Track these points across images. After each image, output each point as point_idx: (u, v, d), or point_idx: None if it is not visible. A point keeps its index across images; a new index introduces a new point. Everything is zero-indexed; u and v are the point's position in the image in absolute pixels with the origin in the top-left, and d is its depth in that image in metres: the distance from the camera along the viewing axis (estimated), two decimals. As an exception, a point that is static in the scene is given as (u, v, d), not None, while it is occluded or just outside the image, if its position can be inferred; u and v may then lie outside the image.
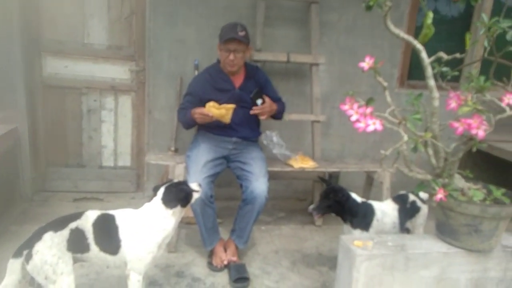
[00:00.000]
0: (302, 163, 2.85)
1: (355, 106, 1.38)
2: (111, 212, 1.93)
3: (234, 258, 2.50)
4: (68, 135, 3.34)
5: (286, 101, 3.41)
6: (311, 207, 2.31)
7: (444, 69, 1.58)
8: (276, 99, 2.76)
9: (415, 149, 1.39)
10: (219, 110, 2.43)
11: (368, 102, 1.37)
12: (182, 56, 3.21)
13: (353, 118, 1.38)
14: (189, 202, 2.00)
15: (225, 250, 2.55)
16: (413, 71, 3.61)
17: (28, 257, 1.67)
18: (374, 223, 2.22)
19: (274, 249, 2.82)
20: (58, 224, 1.77)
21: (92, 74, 3.23)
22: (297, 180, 3.41)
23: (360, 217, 2.22)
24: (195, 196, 2.02)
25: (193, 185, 2.04)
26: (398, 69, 3.58)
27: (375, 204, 2.30)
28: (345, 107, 1.39)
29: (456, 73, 1.60)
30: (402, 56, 3.56)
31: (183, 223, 2.98)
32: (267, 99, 2.57)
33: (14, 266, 1.68)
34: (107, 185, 3.45)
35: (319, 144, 3.21)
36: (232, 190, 3.22)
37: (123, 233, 1.86)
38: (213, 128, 2.59)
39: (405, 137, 1.38)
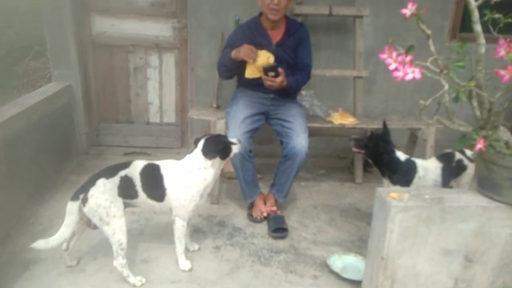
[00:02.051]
0: (342, 119, 2.82)
1: (394, 54, 1.34)
2: (156, 162, 2.05)
3: (274, 208, 2.58)
4: (117, 92, 3.51)
5: (328, 57, 3.36)
6: (353, 136, 2.37)
7: (496, 15, 1.47)
8: (304, 64, 2.66)
9: (456, 99, 1.34)
10: (268, 58, 2.42)
11: (408, 50, 1.32)
12: (223, 12, 3.20)
13: (392, 66, 1.34)
14: (228, 155, 2.07)
15: (265, 203, 2.64)
16: (466, 23, 3.37)
17: (84, 200, 1.84)
18: (416, 180, 2.19)
19: (312, 204, 2.88)
20: (109, 172, 1.92)
21: (137, 32, 3.32)
22: (337, 137, 3.39)
23: (401, 173, 2.21)
24: (234, 149, 2.09)
25: (232, 139, 2.11)
26: (450, 21, 3.35)
27: (418, 162, 2.27)
28: (384, 55, 1.36)
29: (510, 19, 1.49)
30: (455, 7, 3.33)
31: (225, 178, 3.10)
32: (280, 77, 2.43)
33: (72, 208, 1.86)
34: (154, 140, 3.63)
35: (360, 101, 3.14)
36: (272, 147, 3.28)
37: (167, 182, 1.99)
38: (251, 84, 2.61)
39: (446, 86, 1.33)
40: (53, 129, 2.98)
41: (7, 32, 6.04)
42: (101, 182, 1.86)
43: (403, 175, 2.21)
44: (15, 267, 2.03)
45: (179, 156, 3.55)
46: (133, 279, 1.94)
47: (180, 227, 2.04)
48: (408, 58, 1.33)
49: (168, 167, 2.03)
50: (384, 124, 2.39)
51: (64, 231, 1.84)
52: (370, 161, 2.37)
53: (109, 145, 3.60)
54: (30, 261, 2.08)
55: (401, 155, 2.27)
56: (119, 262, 1.89)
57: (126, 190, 1.93)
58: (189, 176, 1.99)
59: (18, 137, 2.44)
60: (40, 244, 1.80)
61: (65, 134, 3.22)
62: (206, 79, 3.36)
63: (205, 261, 2.17)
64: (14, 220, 2.39)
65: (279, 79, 2.42)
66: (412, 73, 1.31)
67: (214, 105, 3.28)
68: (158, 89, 3.53)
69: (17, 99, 2.82)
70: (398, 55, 1.35)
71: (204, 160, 1.99)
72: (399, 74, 1.33)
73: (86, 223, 1.95)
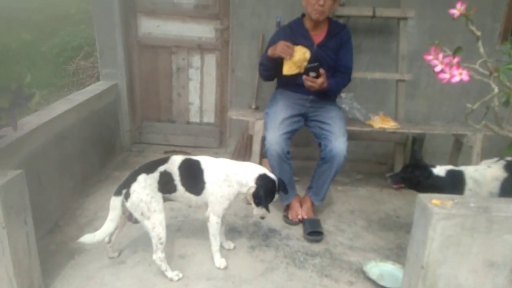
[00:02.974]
0: (382, 123, 2.76)
1: (441, 56, 1.30)
2: (194, 157, 2.12)
3: (310, 213, 2.57)
4: (160, 92, 3.62)
5: (370, 60, 3.30)
6: (388, 174, 2.31)
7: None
8: (345, 67, 2.64)
9: (507, 103, 1.28)
10: (304, 54, 2.42)
11: (456, 51, 1.28)
12: (264, 13, 3.23)
13: (437, 68, 1.30)
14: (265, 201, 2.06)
15: (301, 206, 2.63)
16: (519, 26, 3.21)
17: (127, 196, 1.91)
18: (466, 193, 2.06)
19: (349, 208, 2.83)
20: (149, 168, 1.99)
21: (181, 33, 3.41)
22: (377, 142, 3.32)
23: (447, 190, 1.98)
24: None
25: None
26: (501, 24, 3.20)
27: (467, 171, 2.09)
28: (429, 57, 1.32)
29: None
30: (506, 9, 3.16)
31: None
32: (321, 78, 2.41)
33: (115, 203, 1.94)
34: (193, 140, 3.71)
35: (402, 105, 3.06)
36: (310, 150, 3.25)
37: (208, 177, 2.04)
38: (291, 85, 2.61)
39: (496, 89, 1.28)
40: (100, 126, 3.12)
41: (59, 34, 6.38)
42: (142, 177, 1.93)
43: (449, 190, 1.96)
44: (62, 255, 2.14)
45: (216, 155, 3.59)
46: (170, 273, 1.99)
47: (214, 224, 2.08)
48: (456, 60, 1.29)
49: (209, 163, 2.09)
50: (415, 150, 2.40)
51: (109, 226, 1.92)
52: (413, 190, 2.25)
53: (150, 143, 3.72)
54: (75, 250, 2.19)
55: (440, 170, 2.09)
56: (158, 256, 1.95)
57: (166, 185, 1.99)
58: (235, 177, 2.04)
59: (68, 132, 2.57)
60: (87, 238, 1.89)
61: (110, 131, 3.37)
62: (246, 80, 3.39)
63: (240, 260, 2.19)
64: (62, 211, 2.52)
65: (320, 80, 2.41)
66: (460, 75, 1.27)
67: (253, 106, 3.31)
68: (199, 90, 3.60)
69: (67, 96, 2.97)
70: (444, 56, 1.30)
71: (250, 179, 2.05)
72: (445, 76, 1.29)
73: (128, 217, 2.03)
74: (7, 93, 1.69)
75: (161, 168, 1.99)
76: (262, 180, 2.02)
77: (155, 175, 1.97)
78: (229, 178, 2.04)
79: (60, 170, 2.49)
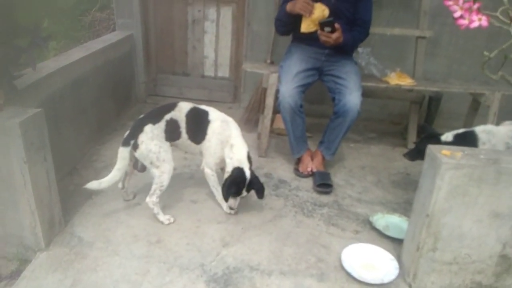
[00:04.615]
0: (399, 80, 2.72)
1: (461, 1, 1.26)
2: (203, 107, 2.13)
3: (321, 167, 2.60)
4: (175, 44, 3.60)
5: (390, 15, 3.20)
6: (404, 153, 2.47)
7: None
8: (363, 20, 2.56)
9: (526, 52, 1.25)
10: (323, 11, 2.37)
11: (477, -4, 1.24)
12: (283, -36, 3.12)
13: (457, 14, 1.27)
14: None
15: (312, 160, 2.66)
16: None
17: (135, 146, 1.95)
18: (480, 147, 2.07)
19: (360, 165, 2.86)
20: (155, 116, 2.00)
21: (197, -17, 3.35)
22: (392, 101, 3.28)
23: None
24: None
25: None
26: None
27: (478, 128, 2.12)
28: (449, 2, 1.28)
29: None
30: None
31: (274, 134, 3.15)
32: (336, 33, 2.36)
33: (123, 153, 1.97)
34: (207, 93, 3.73)
35: (421, 63, 2.99)
36: (323, 108, 3.25)
37: (210, 129, 2.07)
38: (306, 39, 2.57)
39: (516, 36, 1.25)
40: (115, 76, 3.15)
41: (76, -15, 6.29)
42: (148, 128, 1.94)
43: None
44: (80, 196, 2.24)
45: (230, 110, 3.65)
46: (162, 217, 2.06)
47: (210, 176, 2.15)
48: (476, 5, 1.25)
49: (216, 117, 2.12)
50: (424, 126, 2.54)
51: (115, 175, 1.97)
52: None
53: (165, 95, 3.75)
54: (93, 191, 2.26)
55: (448, 136, 2.17)
56: (152, 199, 2.01)
57: (172, 133, 2.02)
58: (228, 149, 2.08)
59: (84, 79, 2.61)
60: (93, 184, 1.95)
61: (125, 82, 3.40)
62: (262, 34, 3.34)
63: (250, 207, 2.26)
64: (79, 156, 2.61)
65: (335, 35, 2.37)
66: (479, 21, 1.23)
67: (268, 61, 3.28)
68: (214, 43, 3.57)
69: (84, 44, 2.99)
70: (465, 1, 1.27)
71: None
72: (464, 22, 1.26)
73: (133, 166, 2.09)
74: (26, 33, 1.71)
75: (167, 117, 2.00)
76: (236, 172, 2.02)
77: (161, 125, 1.98)
78: (224, 145, 2.08)
79: (77, 116, 2.56)
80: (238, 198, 2.10)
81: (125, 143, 1.96)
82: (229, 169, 2.04)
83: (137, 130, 1.96)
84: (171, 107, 2.06)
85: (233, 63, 3.62)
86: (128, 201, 2.23)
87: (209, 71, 3.69)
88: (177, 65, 3.68)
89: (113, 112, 3.13)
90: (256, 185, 2.08)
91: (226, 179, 2.03)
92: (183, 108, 2.07)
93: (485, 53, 1.32)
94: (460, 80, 3.12)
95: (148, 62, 3.62)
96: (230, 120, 2.17)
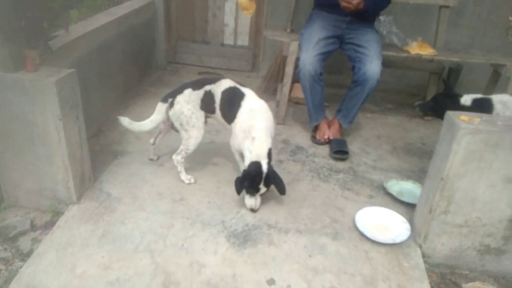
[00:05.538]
0: (420, 49, 2.71)
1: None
2: (243, 89, 2.08)
3: (337, 134, 2.66)
4: (196, 12, 3.62)
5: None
6: (417, 102, 2.40)
7: None
8: None
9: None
10: None
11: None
12: None
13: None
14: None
15: (329, 128, 2.71)
16: None
17: (171, 105, 2.04)
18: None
19: (376, 134, 2.90)
20: (197, 84, 2.07)
21: (219, -51, 3.33)
22: (411, 71, 3.27)
23: None
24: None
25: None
26: None
27: (495, 97, 2.16)
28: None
29: None
30: None
31: (292, 103, 3.19)
32: None
33: (161, 108, 2.08)
34: (226, 62, 3.76)
35: (443, 33, 2.97)
36: (341, 78, 3.25)
37: (241, 112, 2.01)
38: (328, 6, 2.57)
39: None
40: (138, 42, 3.20)
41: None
42: (188, 92, 2.02)
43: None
44: (106, 155, 2.36)
45: (249, 79, 3.69)
46: (184, 176, 2.15)
47: (234, 151, 2.14)
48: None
49: (248, 102, 2.02)
50: (445, 81, 2.42)
51: (147, 123, 2.09)
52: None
53: (185, 63, 3.81)
54: (118, 152, 2.40)
55: (466, 100, 2.18)
56: (178, 158, 2.11)
57: (207, 105, 2.07)
58: (250, 141, 1.95)
59: (109, 44, 2.68)
60: (125, 121, 2.08)
61: (147, 48, 3.45)
62: (282, 1, 3.33)
63: (268, 171, 2.34)
64: (104, 119, 2.71)
65: (355, 1, 2.36)
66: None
67: (288, 30, 3.28)
68: (235, 11, 3.58)
69: (108, 10, 3.04)
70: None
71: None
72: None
73: (170, 125, 2.16)
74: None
75: (207, 88, 2.05)
76: (252, 166, 1.90)
77: (200, 93, 2.04)
78: (246, 134, 1.96)
79: (103, 79, 2.64)
80: (258, 197, 1.96)
81: (164, 99, 2.07)
82: (246, 163, 1.93)
83: (177, 91, 2.04)
84: (214, 80, 2.09)
85: (253, 32, 3.63)
86: (152, 161, 2.33)
87: (228, 40, 3.71)
88: (197, 33, 3.71)
89: (135, 77, 3.21)
90: (275, 180, 1.94)
91: (242, 174, 1.94)
92: (222, 84, 2.07)
93: (511, 17, 1.33)
94: (482, 51, 3.09)
95: (169, 29, 3.66)
96: (261, 109, 2.02)
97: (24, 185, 1.90)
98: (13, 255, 1.72)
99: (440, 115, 2.29)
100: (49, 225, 1.87)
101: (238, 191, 1.94)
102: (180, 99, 2.02)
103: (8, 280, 1.58)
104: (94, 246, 1.73)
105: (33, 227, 1.86)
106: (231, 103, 2.05)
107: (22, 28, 1.68)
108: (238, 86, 2.09)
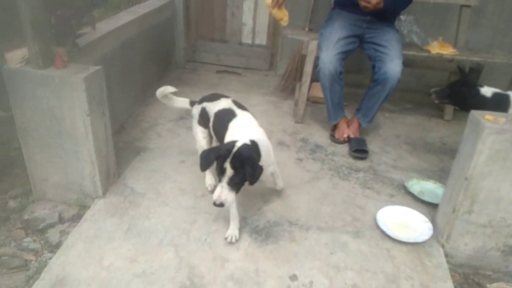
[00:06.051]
0: (440, 49, 2.69)
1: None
2: (237, 111, 1.88)
3: (357, 133, 2.66)
4: (215, 11, 3.65)
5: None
6: (433, 89, 2.35)
7: None
8: None
9: None
10: None
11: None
12: None
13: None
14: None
15: (348, 127, 2.71)
16: None
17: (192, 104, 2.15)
18: (510, 112, 2.09)
19: (396, 133, 2.89)
20: (202, 99, 2.07)
21: (238, -51, 3.35)
22: (431, 71, 3.24)
23: (489, 109, 2.08)
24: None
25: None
26: None
27: None
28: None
29: None
30: None
31: (310, 102, 3.20)
32: None
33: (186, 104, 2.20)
34: (244, 61, 3.79)
35: (464, 32, 2.94)
36: (360, 77, 3.26)
37: (228, 135, 1.79)
38: (348, 5, 2.57)
39: None
40: (158, 41, 3.25)
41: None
42: (198, 105, 2.07)
43: (492, 109, 2.08)
44: (129, 152, 2.40)
45: (266, 77, 3.71)
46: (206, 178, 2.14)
47: None
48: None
49: (235, 124, 1.82)
50: (460, 68, 2.36)
51: (181, 101, 2.20)
52: (456, 107, 2.29)
53: (203, 62, 3.84)
54: (141, 148, 2.44)
55: (487, 91, 2.17)
56: None
57: (204, 121, 2.02)
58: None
59: (131, 42, 2.72)
60: (167, 88, 2.18)
61: (167, 47, 3.50)
62: (301, 1, 3.33)
63: (288, 169, 2.36)
64: (126, 116, 2.76)
65: (375, 0, 2.36)
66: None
67: (307, 29, 3.29)
68: (253, 10, 3.60)
69: (129, 8, 3.09)
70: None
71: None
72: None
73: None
74: (86, -6, 1.82)
75: (205, 105, 2.01)
76: (224, 144, 1.70)
77: (199, 108, 2.04)
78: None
79: (125, 77, 2.69)
80: (227, 188, 1.56)
81: (192, 103, 2.17)
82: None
83: (200, 99, 2.09)
84: (214, 98, 2.02)
85: (271, 31, 3.65)
86: (173, 158, 2.36)
87: (246, 38, 3.74)
88: (216, 31, 3.74)
89: (155, 76, 3.25)
90: (248, 164, 1.55)
91: None
92: (219, 104, 1.95)
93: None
94: (503, 51, 3.05)
95: (188, 28, 3.70)
96: (246, 137, 1.66)
97: (52, 179, 1.95)
98: (42, 246, 1.77)
99: (455, 102, 2.28)
100: (76, 218, 1.92)
101: (202, 166, 1.62)
102: (194, 108, 2.11)
103: (38, 271, 1.63)
104: (120, 239, 1.77)
105: (61, 220, 1.91)
106: (220, 123, 1.88)
107: (51, 26, 1.73)
108: (233, 107, 1.90)
